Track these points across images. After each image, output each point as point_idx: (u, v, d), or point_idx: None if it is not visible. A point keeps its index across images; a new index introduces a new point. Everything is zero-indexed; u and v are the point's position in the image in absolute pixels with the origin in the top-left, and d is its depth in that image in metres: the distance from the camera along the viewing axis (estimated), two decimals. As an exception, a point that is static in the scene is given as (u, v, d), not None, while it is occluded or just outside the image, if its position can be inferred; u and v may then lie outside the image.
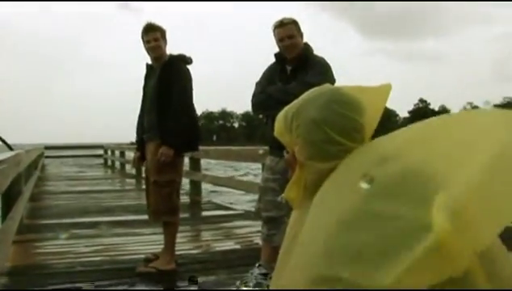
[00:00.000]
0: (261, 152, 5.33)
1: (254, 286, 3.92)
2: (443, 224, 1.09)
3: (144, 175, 5.10)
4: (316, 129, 1.53)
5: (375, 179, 1.26)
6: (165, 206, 4.60)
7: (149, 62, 4.80)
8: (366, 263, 1.15)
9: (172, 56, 4.68)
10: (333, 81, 3.80)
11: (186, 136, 4.59)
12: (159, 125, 4.53)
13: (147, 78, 4.82)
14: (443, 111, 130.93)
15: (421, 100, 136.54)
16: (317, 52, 4.03)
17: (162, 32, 4.66)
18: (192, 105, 4.66)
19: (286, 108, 1.66)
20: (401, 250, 1.11)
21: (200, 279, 4.32)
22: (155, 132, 4.57)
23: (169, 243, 4.64)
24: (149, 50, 4.65)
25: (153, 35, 4.60)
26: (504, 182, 1.15)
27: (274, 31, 3.94)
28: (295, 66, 3.93)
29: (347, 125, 1.53)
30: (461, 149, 1.24)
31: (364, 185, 1.26)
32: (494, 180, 1.15)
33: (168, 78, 4.54)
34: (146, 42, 4.62)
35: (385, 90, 1.62)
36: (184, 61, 4.72)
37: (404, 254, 1.10)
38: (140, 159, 4.93)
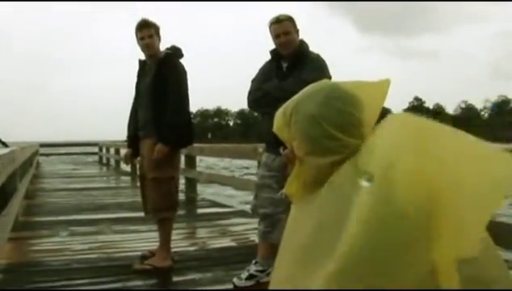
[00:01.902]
0: (260, 150, 5.30)
1: (247, 278, 3.93)
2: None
3: (138, 172, 5.04)
4: (314, 125, 1.53)
5: (375, 177, 1.26)
6: (165, 203, 4.58)
7: (142, 58, 4.77)
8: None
9: (167, 54, 4.64)
10: (329, 77, 3.80)
11: (183, 131, 4.57)
12: (155, 122, 4.50)
13: (140, 74, 4.79)
14: (438, 109, 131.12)
15: (417, 98, 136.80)
16: (314, 47, 4.03)
17: (156, 29, 4.62)
18: (188, 100, 4.62)
19: (285, 104, 1.66)
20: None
21: (196, 276, 4.34)
22: (151, 129, 4.54)
23: (165, 240, 4.63)
24: (143, 47, 4.60)
25: (147, 31, 4.55)
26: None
27: (270, 27, 3.94)
28: (291, 63, 3.92)
29: (345, 121, 1.53)
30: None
31: (364, 183, 1.26)
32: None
33: (164, 76, 4.50)
34: (140, 39, 4.57)
35: (384, 85, 1.62)
36: (178, 56, 4.69)
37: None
38: (132, 156, 4.90)
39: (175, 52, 4.69)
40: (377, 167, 1.30)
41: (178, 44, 4.75)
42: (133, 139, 4.83)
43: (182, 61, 4.71)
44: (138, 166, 4.97)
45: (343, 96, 1.56)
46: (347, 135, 1.51)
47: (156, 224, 4.79)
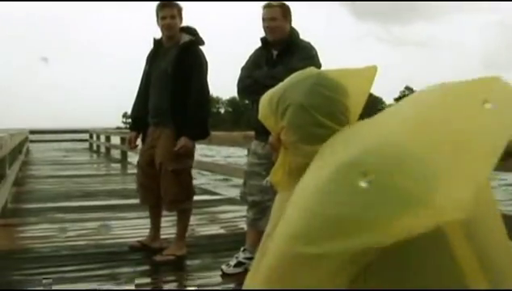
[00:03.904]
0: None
1: (235, 265, 3.96)
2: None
3: (140, 158, 4.76)
4: (303, 113, 1.52)
5: (375, 178, 1.22)
6: (185, 194, 4.49)
7: (157, 37, 4.59)
8: (344, 234, 1.12)
9: (191, 41, 4.45)
10: (318, 65, 3.79)
11: (204, 123, 4.48)
12: (172, 112, 4.34)
13: (155, 55, 4.59)
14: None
15: (407, 88, 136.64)
16: (308, 35, 4.01)
17: (179, 10, 4.43)
18: (209, 91, 4.50)
19: (270, 92, 1.65)
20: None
21: (185, 263, 4.37)
22: (167, 118, 4.38)
23: (184, 229, 4.58)
24: (164, 27, 4.42)
25: (169, 11, 4.36)
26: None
27: (262, 12, 3.94)
28: (280, 51, 3.91)
29: (334, 108, 1.53)
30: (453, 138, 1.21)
31: (363, 184, 1.22)
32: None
33: (185, 64, 4.34)
34: (161, 18, 4.38)
35: (370, 72, 1.61)
36: (200, 43, 4.53)
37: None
38: (136, 139, 4.76)
39: (198, 40, 4.52)
40: (378, 167, 1.24)
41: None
42: (138, 122, 4.70)
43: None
44: (141, 152, 4.77)
45: (330, 84, 1.56)
46: (336, 122, 1.51)
47: (145, 211, 4.75)
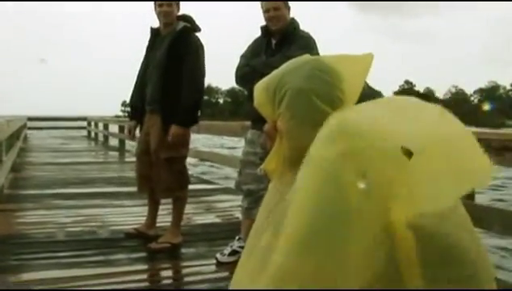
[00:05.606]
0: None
1: (230, 254, 3.98)
2: None
3: (138, 147, 4.73)
4: (302, 97, 1.50)
5: (371, 180, 1.22)
6: (178, 182, 4.48)
7: (154, 26, 4.59)
8: None
9: (185, 28, 4.43)
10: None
11: (196, 111, 4.44)
12: (166, 99, 4.33)
13: (152, 43, 4.60)
14: (429, 93, 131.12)
15: (407, 82, 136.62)
16: (308, 25, 4.01)
17: None
18: (203, 77, 4.43)
19: (266, 79, 1.63)
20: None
21: (180, 251, 4.38)
22: (162, 106, 4.37)
23: (179, 217, 4.57)
24: (160, 14, 4.42)
25: None
26: None
27: (261, 2, 3.93)
28: (279, 40, 3.91)
29: (332, 94, 1.51)
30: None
31: (361, 185, 1.23)
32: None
33: (178, 52, 4.32)
34: (159, 5, 4.40)
35: (367, 60, 1.59)
36: (194, 30, 4.50)
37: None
38: (135, 128, 4.75)
39: (192, 26, 4.50)
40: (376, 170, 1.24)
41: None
42: (135, 112, 4.68)
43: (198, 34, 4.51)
44: (138, 140, 4.74)
45: (327, 69, 1.54)
46: (333, 108, 1.50)
47: (143, 199, 4.74)
